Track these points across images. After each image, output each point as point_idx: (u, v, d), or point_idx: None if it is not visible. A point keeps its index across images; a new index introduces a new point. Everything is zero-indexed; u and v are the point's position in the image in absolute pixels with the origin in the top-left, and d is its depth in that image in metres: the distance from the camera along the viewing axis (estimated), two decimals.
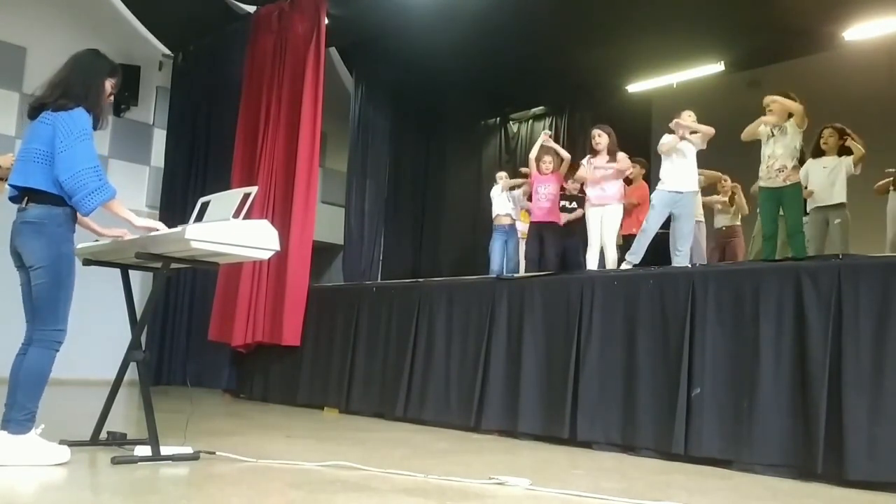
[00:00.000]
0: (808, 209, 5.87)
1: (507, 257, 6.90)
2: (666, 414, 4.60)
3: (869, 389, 3.88)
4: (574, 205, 6.84)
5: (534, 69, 8.93)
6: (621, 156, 5.99)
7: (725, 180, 7.02)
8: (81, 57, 3.54)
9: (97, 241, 3.82)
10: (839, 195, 5.70)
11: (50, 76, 3.46)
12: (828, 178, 5.77)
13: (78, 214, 3.38)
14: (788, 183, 5.42)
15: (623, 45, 8.06)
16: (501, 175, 7.36)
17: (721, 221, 7.10)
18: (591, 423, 5.00)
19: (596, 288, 5.26)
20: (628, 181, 7.14)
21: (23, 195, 3.35)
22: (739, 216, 7.11)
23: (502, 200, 7.11)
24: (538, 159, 6.51)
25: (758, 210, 6.20)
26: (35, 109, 3.41)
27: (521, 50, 8.32)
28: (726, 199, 7.07)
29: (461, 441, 5.19)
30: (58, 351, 3.32)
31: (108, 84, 3.55)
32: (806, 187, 5.76)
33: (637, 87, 9.09)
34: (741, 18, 7.47)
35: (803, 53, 7.83)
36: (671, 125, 5.64)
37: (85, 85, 3.41)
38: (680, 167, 5.58)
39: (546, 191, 6.48)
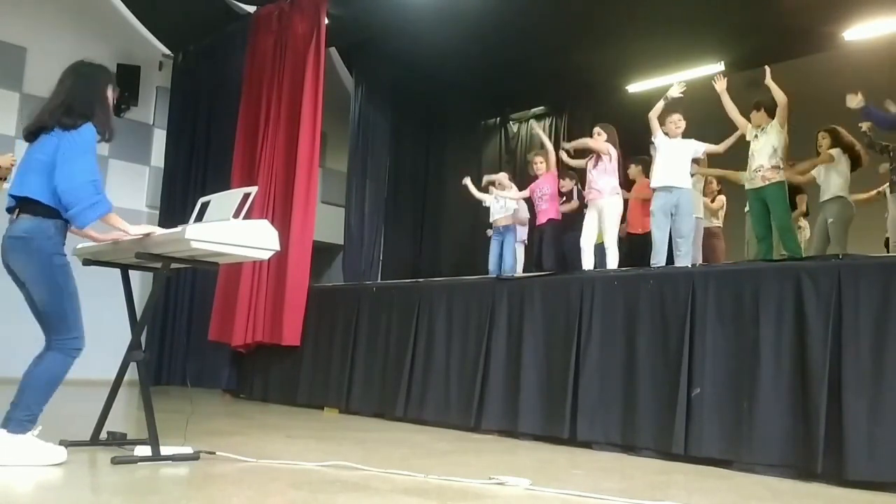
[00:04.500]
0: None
1: (502, 259, 6.89)
2: (666, 414, 4.61)
3: (869, 389, 3.88)
4: (564, 199, 6.88)
5: (534, 69, 8.91)
6: (595, 133, 5.99)
7: (711, 182, 6.99)
8: (76, 71, 3.45)
9: None
10: (833, 189, 5.69)
11: (50, 99, 3.37)
12: (823, 176, 5.78)
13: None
14: (767, 183, 5.39)
15: (623, 45, 8.05)
16: (496, 178, 7.34)
17: (703, 222, 7.02)
18: (591, 423, 5.00)
19: (596, 288, 5.26)
20: (632, 182, 7.13)
21: (16, 206, 3.31)
22: (721, 218, 7.08)
23: (495, 204, 7.11)
24: (530, 161, 6.82)
25: (745, 211, 6.22)
26: (33, 133, 3.35)
27: (521, 50, 8.31)
28: (710, 200, 7.02)
29: (461, 441, 5.19)
30: (75, 358, 3.32)
31: (109, 92, 3.50)
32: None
33: (637, 87, 9.08)
34: (741, 18, 7.46)
35: (803, 53, 7.82)
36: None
37: (90, 103, 3.35)
38: (673, 163, 5.57)
39: (542, 192, 6.60)
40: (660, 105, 5.74)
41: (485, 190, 7.32)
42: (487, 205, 7.22)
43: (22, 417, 3.20)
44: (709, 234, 6.89)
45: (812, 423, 4.03)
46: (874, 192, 6.14)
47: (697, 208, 6.30)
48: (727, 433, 4.35)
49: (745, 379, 4.36)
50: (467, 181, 7.39)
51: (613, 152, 5.96)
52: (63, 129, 3.27)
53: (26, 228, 3.26)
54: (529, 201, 6.94)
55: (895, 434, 3.78)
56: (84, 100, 3.36)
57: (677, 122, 5.69)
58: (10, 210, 3.37)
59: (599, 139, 5.98)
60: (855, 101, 5.40)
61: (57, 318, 3.28)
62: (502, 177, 7.19)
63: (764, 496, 3.56)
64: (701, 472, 4.15)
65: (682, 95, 5.77)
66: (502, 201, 7.01)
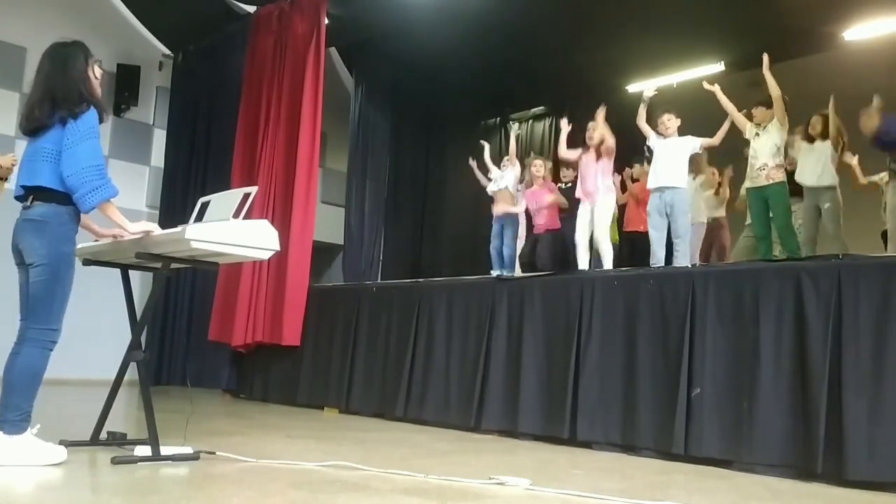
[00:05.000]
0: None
1: (504, 244, 6.70)
2: (666, 414, 4.61)
3: (869, 389, 3.88)
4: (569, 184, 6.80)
5: (534, 69, 8.91)
6: (591, 127, 5.88)
7: (714, 174, 6.98)
8: (51, 56, 3.41)
9: (97, 241, 3.82)
10: (827, 178, 5.68)
11: (32, 92, 3.36)
12: (816, 161, 5.74)
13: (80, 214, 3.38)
14: (771, 182, 5.36)
15: (623, 45, 8.05)
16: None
17: (707, 213, 6.98)
18: (591, 423, 5.00)
19: (596, 288, 5.26)
20: (634, 179, 7.11)
21: (28, 193, 3.34)
22: (724, 207, 7.06)
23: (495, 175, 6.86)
24: (528, 164, 6.70)
25: (748, 210, 6.19)
26: (32, 132, 3.35)
27: (521, 50, 8.31)
28: (712, 190, 7.00)
29: (461, 441, 5.19)
30: (51, 350, 3.31)
31: (93, 70, 3.45)
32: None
33: (637, 87, 9.07)
34: (741, 18, 7.46)
35: (803, 53, 7.81)
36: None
37: (71, 85, 3.33)
38: (667, 163, 5.56)
39: (539, 206, 6.43)
40: (641, 109, 5.73)
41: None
42: (489, 185, 6.95)
43: (14, 418, 3.20)
44: (717, 224, 6.90)
45: (812, 423, 4.03)
46: (867, 180, 6.11)
47: (698, 211, 6.27)
48: (727, 433, 4.35)
49: (745, 379, 4.36)
50: (473, 164, 7.28)
51: (613, 151, 5.93)
52: (63, 123, 3.27)
53: (42, 213, 3.29)
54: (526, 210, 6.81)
55: (895, 434, 3.78)
56: (66, 85, 3.33)
57: (666, 122, 5.65)
58: (20, 198, 3.39)
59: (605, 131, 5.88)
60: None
61: (43, 305, 3.28)
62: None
63: (764, 496, 3.56)
64: (701, 472, 4.15)
65: (656, 93, 5.75)
66: (499, 178, 6.82)
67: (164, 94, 9.50)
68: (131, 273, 4.04)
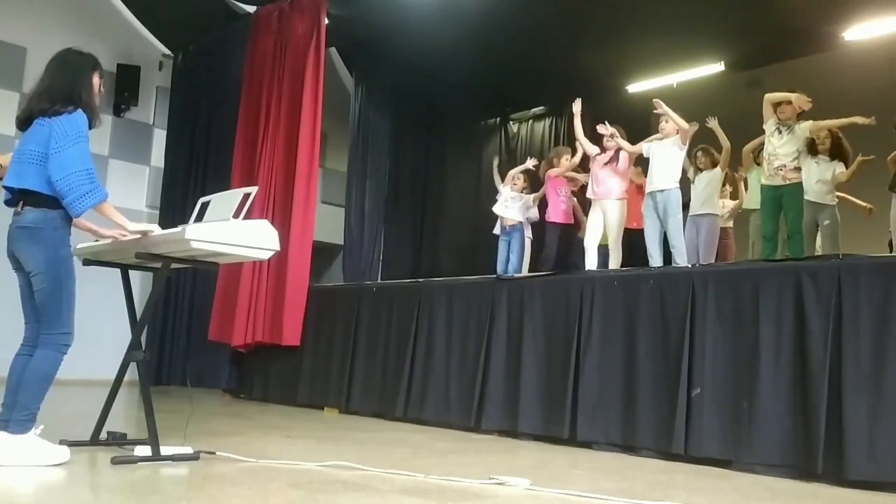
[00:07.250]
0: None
1: (508, 259, 6.73)
2: (666, 414, 4.61)
3: (869, 389, 3.88)
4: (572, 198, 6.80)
5: (534, 69, 8.92)
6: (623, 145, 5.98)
7: (725, 185, 6.96)
8: (63, 58, 3.47)
9: (97, 240, 3.82)
10: (829, 197, 5.69)
11: (35, 85, 3.42)
12: (820, 176, 5.76)
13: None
14: (787, 182, 5.38)
15: (623, 46, 8.05)
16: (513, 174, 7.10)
17: (719, 220, 6.95)
18: (591, 423, 5.00)
19: (596, 288, 5.26)
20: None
21: (18, 198, 3.33)
22: (732, 219, 7.07)
23: (508, 203, 6.90)
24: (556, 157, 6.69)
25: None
26: (24, 122, 3.36)
27: (521, 50, 8.31)
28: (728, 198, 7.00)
29: (461, 441, 5.19)
30: (65, 353, 3.32)
31: (96, 79, 3.50)
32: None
33: (637, 87, 9.07)
34: (741, 18, 7.46)
35: (803, 53, 7.82)
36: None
37: (73, 86, 3.36)
38: (661, 166, 5.56)
39: (564, 193, 6.46)
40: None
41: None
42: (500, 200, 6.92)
43: (21, 417, 3.20)
44: (722, 234, 6.89)
45: (812, 423, 4.03)
46: (863, 204, 6.19)
47: (713, 205, 6.24)
48: (727, 433, 4.35)
49: (745, 379, 4.36)
50: (496, 173, 7.30)
51: (626, 148, 5.97)
52: (52, 115, 3.26)
53: (34, 219, 3.28)
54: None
55: (895, 434, 3.78)
56: (69, 84, 3.35)
57: (663, 123, 5.67)
58: (9, 203, 3.38)
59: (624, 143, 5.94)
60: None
61: (52, 311, 3.28)
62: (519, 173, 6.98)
63: (764, 496, 3.56)
64: (701, 472, 4.15)
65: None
66: (509, 202, 6.81)
67: (164, 94, 9.50)
68: (131, 273, 4.04)
